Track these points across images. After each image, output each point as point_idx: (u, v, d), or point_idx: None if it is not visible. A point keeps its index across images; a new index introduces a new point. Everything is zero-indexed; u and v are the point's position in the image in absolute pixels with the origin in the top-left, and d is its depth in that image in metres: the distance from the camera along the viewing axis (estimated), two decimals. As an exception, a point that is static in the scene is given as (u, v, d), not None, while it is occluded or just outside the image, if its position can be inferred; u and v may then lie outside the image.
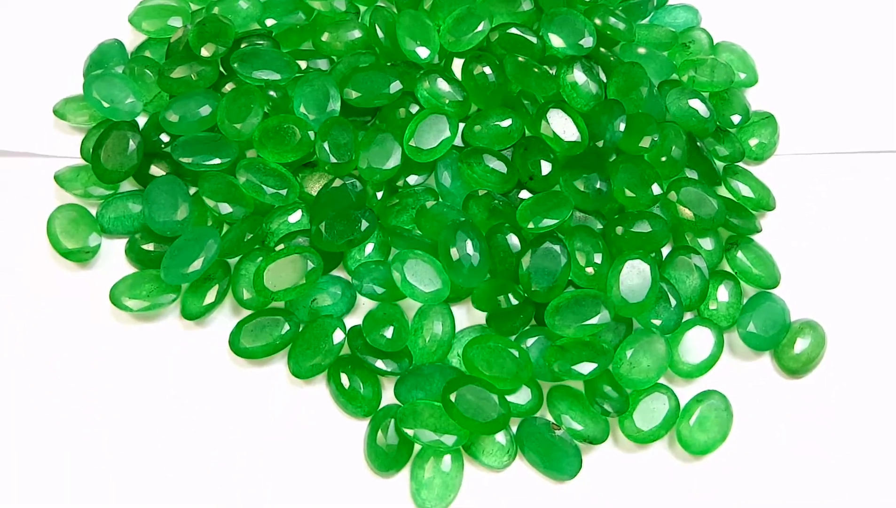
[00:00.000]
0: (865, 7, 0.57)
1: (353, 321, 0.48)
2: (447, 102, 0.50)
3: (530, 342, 0.46)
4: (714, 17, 0.57)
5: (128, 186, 0.50)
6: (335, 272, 0.49)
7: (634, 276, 0.46)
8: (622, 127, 0.49)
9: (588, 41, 0.51)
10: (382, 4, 0.55)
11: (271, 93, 0.50)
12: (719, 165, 0.52)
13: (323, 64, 0.52)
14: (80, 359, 0.47)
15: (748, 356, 0.48)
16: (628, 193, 0.49)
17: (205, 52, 0.50)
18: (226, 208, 0.47)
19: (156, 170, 0.50)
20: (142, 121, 0.51)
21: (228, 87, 0.51)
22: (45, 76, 0.53)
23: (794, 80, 0.55)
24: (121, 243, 0.49)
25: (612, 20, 0.53)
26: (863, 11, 0.57)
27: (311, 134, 0.49)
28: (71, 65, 0.53)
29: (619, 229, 0.48)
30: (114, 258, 0.49)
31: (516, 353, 0.45)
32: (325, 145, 0.48)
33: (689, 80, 0.53)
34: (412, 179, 0.50)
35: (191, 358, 0.47)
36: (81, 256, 0.48)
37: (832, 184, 0.52)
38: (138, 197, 0.49)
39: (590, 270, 0.47)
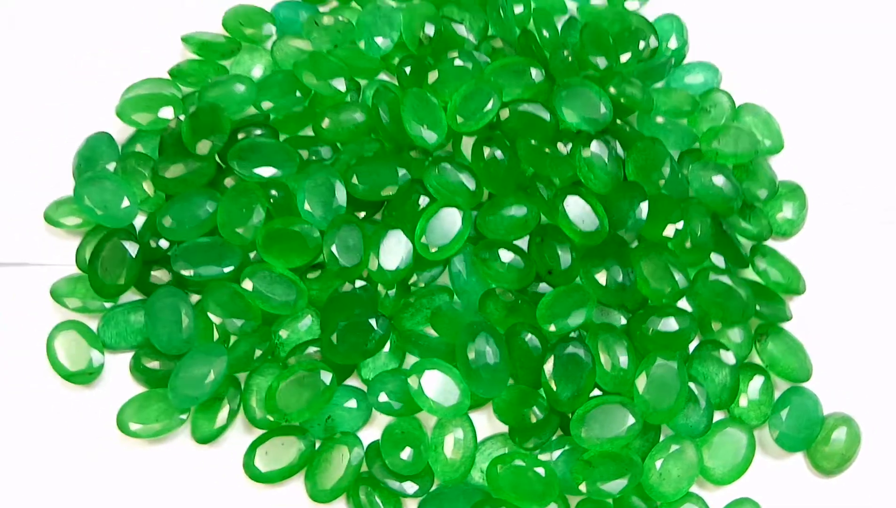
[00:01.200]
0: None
1: (371, 431, 0.47)
2: (458, 192, 0.48)
3: (556, 454, 0.46)
4: (734, 74, 0.54)
5: (128, 293, 0.49)
6: (350, 379, 0.48)
7: (662, 379, 0.45)
8: (644, 213, 0.48)
9: (604, 116, 0.49)
10: (385, 77, 0.54)
11: (273, 192, 0.48)
12: (745, 242, 0.50)
13: (325, 150, 0.50)
14: (87, 486, 0.46)
15: (780, 454, 0.47)
16: (653, 285, 0.47)
17: (201, 149, 0.48)
18: (233, 325, 0.46)
19: (157, 276, 0.48)
20: (139, 219, 0.50)
21: (228, 182, 0.49)
22: (32, 177, 0.51)
23: (821, 143, 0.53)
24: (125, 357, 0.48)
25: (629, 89, 0.51)
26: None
27: (317, 233, 0.48)
28: (58, 161, 0.51)
29: (645, 328, 0.47)
30: (118, 372, 0.48)
31: (542, 472, 0.44)
32: (333, 249, 0.47)
33: (711, 151, 0.51)
34: (425, 275, 0.49)
35: (204, 480, 0.46)
36: (85, 378, 0.47)
37: (864, 258, 0.51)
38: (139, 308, 0.48)
39: (611, 367, 0.46)
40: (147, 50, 0.54)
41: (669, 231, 0.48)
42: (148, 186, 0.50)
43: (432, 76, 0.50)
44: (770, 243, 0.51)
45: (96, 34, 0.55)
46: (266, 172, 0.48)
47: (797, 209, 0.51)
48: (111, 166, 0.50)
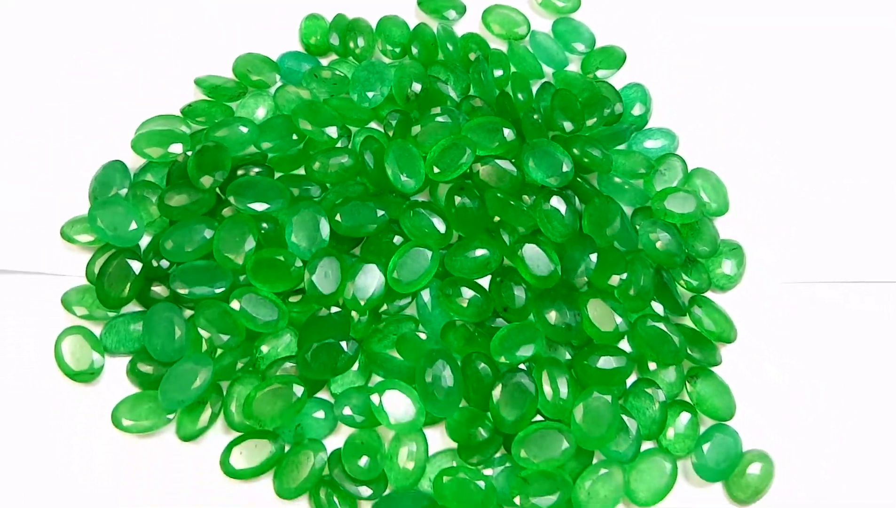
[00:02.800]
0: (844, 136, 0.64)
1: (335, 440, 0.55)
2: (430, 234, 0.57)
3: (497, 470, 0.54)
4: (692, 139, 0.63)
5: (130, 305, 0.58)
6: (321, 392, 0.56)
7: (597, 410, 0.53)
8: (594, 263, 0.56)
9: (565, 174, 0.58)
10: (374, 126, 0.63)
11: (264, 225, 0.57)
12: (685, 292, 0.59)
13: (314, 189, 0.59)
14: (81, 473, 0.54)
15: (701, 484, 0.55)
16: (597, 327, 0.56)
17: (203, 183, 0.57)
18: (220, 340, 0.55)
19: (156, 291, 0.57)
20: (145, 239, 0.59)
21: (226, 212, 0.58)
22: (51, 195, 0.60)
23: (764, 207, 0.62)
24: (123, 360, 0.57)
25: (590, 151, 0.59)
26: (841, 140, 0.64)
27: (300, 263, 0.56)
28: (76, 183, 0.60)
29: (586, 364, 0.55)
30: (116, 374, 0.56)
31: (483, 485, 0.52)
32: (314, 278, 0.56)
33: (660, 210, 0.59)
34: (395, 305, 0.58)
35: (185, 473, 0.54)
36: (86, 377, 0.55)
37: (794, 313, 0.59)
38: (139, 318, 0.57)
39: (552, 396, 0.54)
40: (163, 88, 0.64)
41: (614, 281, 0.56)
42: (154, 211, 0.59)
43: (415, 130, 0.60)
44: (709, 295, 0.59)
45: (118, 71, 0.65)
46: (259, 206, 0.57)
47: (735, 266, 0.60)
48: (123, 192, 0.59)
